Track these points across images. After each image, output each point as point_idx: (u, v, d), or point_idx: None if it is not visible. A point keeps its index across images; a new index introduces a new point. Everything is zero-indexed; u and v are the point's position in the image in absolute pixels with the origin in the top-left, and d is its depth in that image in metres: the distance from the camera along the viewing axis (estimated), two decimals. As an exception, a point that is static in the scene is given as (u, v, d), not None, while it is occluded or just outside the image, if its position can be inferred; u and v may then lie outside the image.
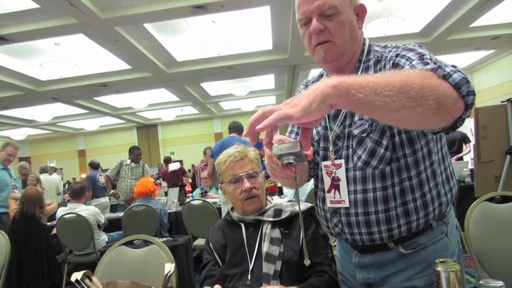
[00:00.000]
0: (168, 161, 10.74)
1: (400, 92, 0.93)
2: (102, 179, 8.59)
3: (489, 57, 11.74)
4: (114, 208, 7.29)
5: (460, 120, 1.06)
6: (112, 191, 7.35)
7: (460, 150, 8.26)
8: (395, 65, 1.24)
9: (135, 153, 7.14)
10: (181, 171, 9.91)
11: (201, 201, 5.16)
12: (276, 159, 1.01)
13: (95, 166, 9.64)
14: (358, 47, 1.37)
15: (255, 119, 0.95)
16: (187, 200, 7.24)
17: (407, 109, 0.94)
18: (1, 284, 2.80)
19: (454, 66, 1.07)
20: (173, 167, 9.74)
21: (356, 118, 1.34)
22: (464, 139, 8.18)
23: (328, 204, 1.42)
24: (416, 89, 0.94)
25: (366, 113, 1.13)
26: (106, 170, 8.08)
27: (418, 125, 1.09)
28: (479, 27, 8.62)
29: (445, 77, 1.03)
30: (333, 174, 1.39)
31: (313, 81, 1.59)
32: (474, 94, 1.03)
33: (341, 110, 1.39)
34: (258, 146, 1.00)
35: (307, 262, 1.09)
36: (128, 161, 7.17)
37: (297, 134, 1.56)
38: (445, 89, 1.00)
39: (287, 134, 1.56)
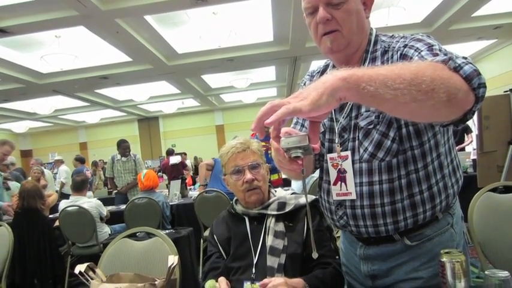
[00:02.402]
0: (171, 152, 10.72)
1: (410, 85, 0.91)
2: (88, 174, 8.60)
3: (491, 47, 11.67)
4: (111, 201, 7.25)
5: (470, 113, 1.05)
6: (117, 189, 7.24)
7: (461, 140, 8.25)
8: (403, 56, 1.23)
9: (122, 147, 7.07)
10: (181, 165, 9.91)
11: (215, 192, 5.15)
12: (283, 152, 0.99)
13: (81, 160, 9.70)
14: (365, 36, 1.35)
15: (263, 113, 0.92)
16: (189, 192, 7.25)
17: (417, 102, 0.92)
18: (5, 275, 2.81)
19: (465, 58, 1.05)
20: (174, 160, 9.75)
21: (363, 110, 1.32)
22: (466, 129, 8.15)
23: (334, 197, 1.40)
24: (428, 81, 0.92)
25: (376, 106, 1.10)
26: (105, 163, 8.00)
27: (428, 118, 1.07)
28: (481, 16, 8.57)
29: (456, 69, 1.01)
30: (339, 167, 1.37)
31: (318, 72, 1.57)
32: (485, 86, 1.01)
33: (347, 102, 1.36)
34: (265, 139, 0.98)
35: (315, 255, 1.08)
36: (118, 156, 7.13)
37: (302, 125, 1.54)
38: (456, 81, 0.98)
39: (292, 125, 1.54)
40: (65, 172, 9.83)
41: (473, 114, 1.05)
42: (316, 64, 1.61)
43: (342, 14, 1.24)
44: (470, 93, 1.00)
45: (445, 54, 1.09)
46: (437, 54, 1.11)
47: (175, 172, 9.52)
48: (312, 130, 1.00)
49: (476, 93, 1.01)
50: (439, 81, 0.93)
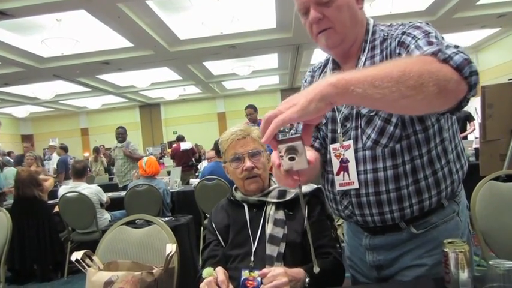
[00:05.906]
0: (181, 138, 10.75)
1: (398, 83, 0.93)
2: (72, 162, 8.69)
3: (495, 36, 11.68)
4: (112, 187, 7.28)
5: (464, 101, 1.07)
6: None
7: (464, 129, 8.21)
8: (401, 43, 1.25)
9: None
10: (191, 151, 9.96)
11: (215, 180, 5.15)
12: (279, 165, 1.02)
13: (65, 149, 9.73)
14: (361, 27, 1.36)
15: (262, 131, 0.97)
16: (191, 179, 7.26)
17: (407, 98, 0.95)
18: (3, 261, 2.80)
19: (457, 47, 1.07)
20: (185, 146, 9.80)
21: None
22: (468, 117, 8.13)
23: (337, 187, 1.40)
24: (415, 77, 0.94)
25: (369, 106, 1.15)
26: (108, 149, 7.97)
27: (422, 110, 1.10)
28: (486, 4, 8.54)
29: (446, 60, 1.02)
30: (342, 157, 1.38)
31: (319, 67, 1.59)
32: (477, 74, 1.03)
33: None
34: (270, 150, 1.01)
35: (316, 270, 1.12)
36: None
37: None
38: (446, 72, 1.00)
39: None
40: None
41: (467, 101, 1.08)
42: (319, 52, 1.60)
43: (332, 12, 1.26)
44: (462, 82, 1.02)
45: (438, 44, 1.11)
46: (432, 43, 1.15)
47: (185, 158, 9.56)
48: (305, 132, 1.02)
49: (468, 81, 1.02)
50: (427, 75, 0.95)
